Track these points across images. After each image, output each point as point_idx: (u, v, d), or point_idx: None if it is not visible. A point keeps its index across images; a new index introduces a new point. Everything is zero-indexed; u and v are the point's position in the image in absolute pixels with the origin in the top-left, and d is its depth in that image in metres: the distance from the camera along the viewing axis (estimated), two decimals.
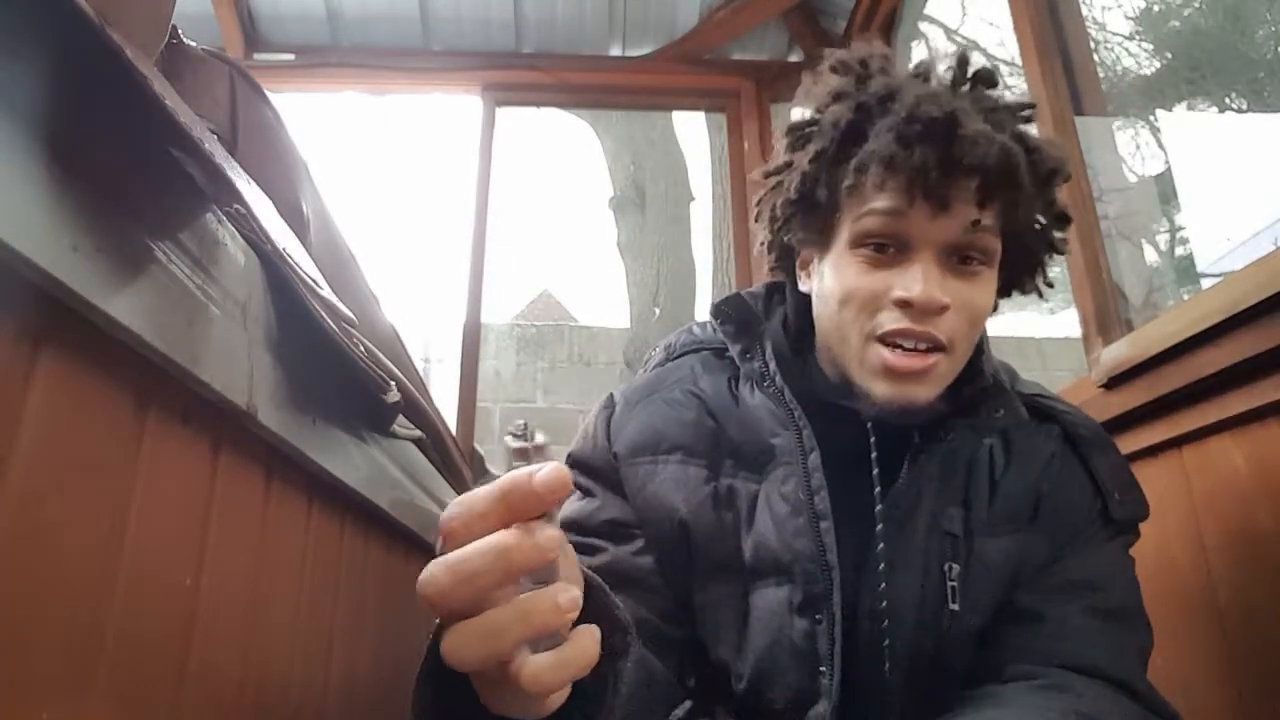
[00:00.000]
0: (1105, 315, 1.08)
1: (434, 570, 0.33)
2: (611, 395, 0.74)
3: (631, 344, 3.61)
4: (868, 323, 0.61)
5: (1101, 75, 1.39)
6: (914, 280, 0.58)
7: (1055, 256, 0.68)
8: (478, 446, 2.18)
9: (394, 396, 0.70)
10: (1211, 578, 0.79)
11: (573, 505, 0.70)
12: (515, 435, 0.41)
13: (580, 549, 0.65)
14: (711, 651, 0.65)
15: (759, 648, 0.62)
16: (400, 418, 0.78)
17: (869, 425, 0.65)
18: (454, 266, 2.26)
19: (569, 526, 0.67)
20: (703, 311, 3.71)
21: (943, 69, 0.64)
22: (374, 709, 0.77)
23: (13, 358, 0.29)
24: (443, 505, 1.05)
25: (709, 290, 3.66)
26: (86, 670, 0.34)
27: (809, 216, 0.65)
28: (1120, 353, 0.93)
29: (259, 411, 0.45)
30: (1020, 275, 0.68)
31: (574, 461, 0.72)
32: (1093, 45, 1.35)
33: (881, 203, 0.60)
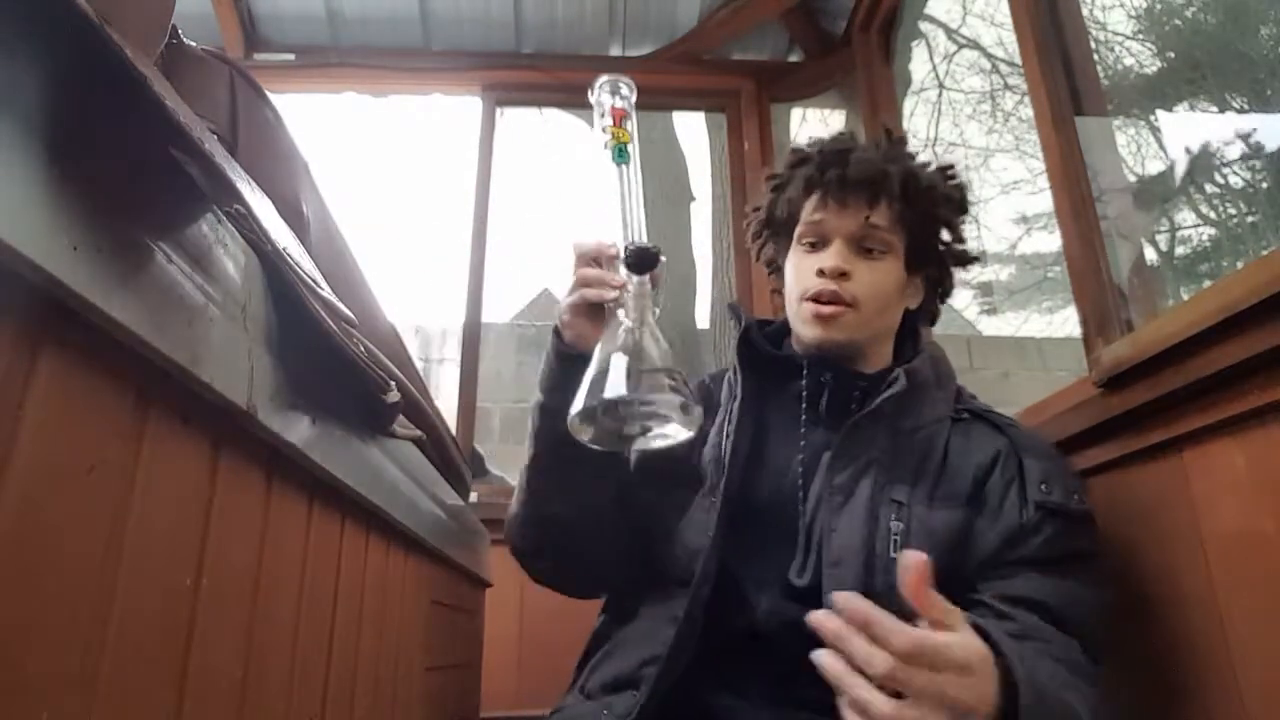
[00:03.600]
0: (1105, 315, 1.08)
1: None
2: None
3: None
4: (802, 288, 0.88)
5: (1101, 75, 1.39)
6: (828, 257, 0.87)
7: (964, 268, 0.96)
8: (478, 446, 2.18)
9: (394, 396, 0.70)
10: (1211, 579, 0.79)
11: None
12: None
13: None
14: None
15: (686, 518, 0.87)
16: (400, 418, 0.78)
17: (803, 382, 0.88)
18: (454, 267, 2.26)
19: None
20: (703, 312, 3.72)
21: (869, 138, 0.95)
22: (374, 709, 0.77)
23: (13, 358, 0.29)
24: (443, 505, 1.06)
25: (709, 290, 3.66)
26: (86, 670, 0.34)
27: (775, 230, 0.97)
28: (1120, 353, 0.93)
29: (259, 411, 0.45)
30: (929, 276, 0.93)
31: None
32: (1093, 45, 1.36)
33: (807, 213, 0.90)
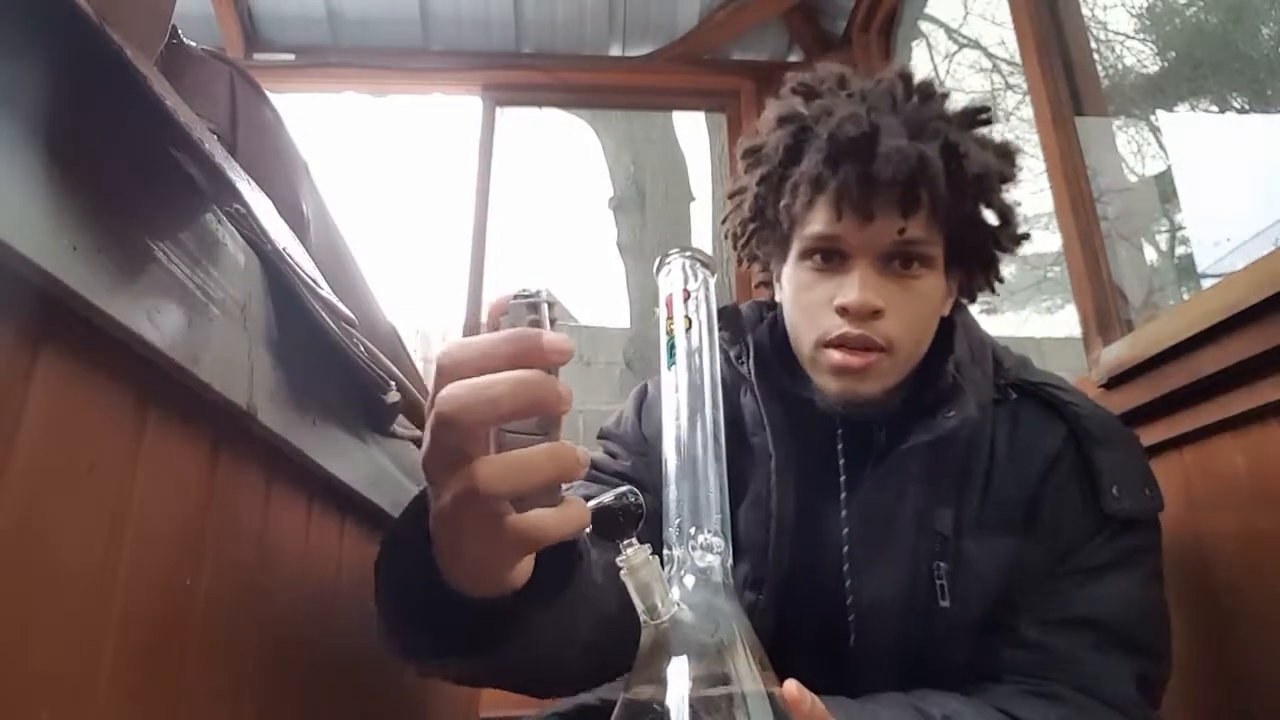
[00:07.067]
0: (1105, 315, 1.08)
1: (453, 389, 0.33)
2: (645, 384, 0.80)
3: (631, 344, 3.61)
4: (816, 329, 0.65)
5: (1101, 75, 1.39)
6: (851, 288, 0.63)
7: (1013, 253, 0.71)
8: None
9: (394, 396, 0.70)
10: (1211, 578, 0.79)
11: (596, 454, 0.75)
12: (523, 295, 0.39)
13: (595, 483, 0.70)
14: None
15: None
16: (400, 418, 0.79)
17: (838, 431, 0.69)
18: (454, 267, 2.26)
19: (589, 467, 0.64)
20: None
21: (886, 87, 0.67)
22: (375, 709, 0.77)
23: (13, 358, 0.29)
24: None
25: None
26: (86, 670, 0.34)
27: (765, 232, 0.72)
28: (1120, 353, 0.93)
29: (259, 411, 0.45)
30: (973, 274, 0.71)
31: (604, 433, 0.79)
32: (1093, 45, 1.36)
33: (816, 223, 0.65)
